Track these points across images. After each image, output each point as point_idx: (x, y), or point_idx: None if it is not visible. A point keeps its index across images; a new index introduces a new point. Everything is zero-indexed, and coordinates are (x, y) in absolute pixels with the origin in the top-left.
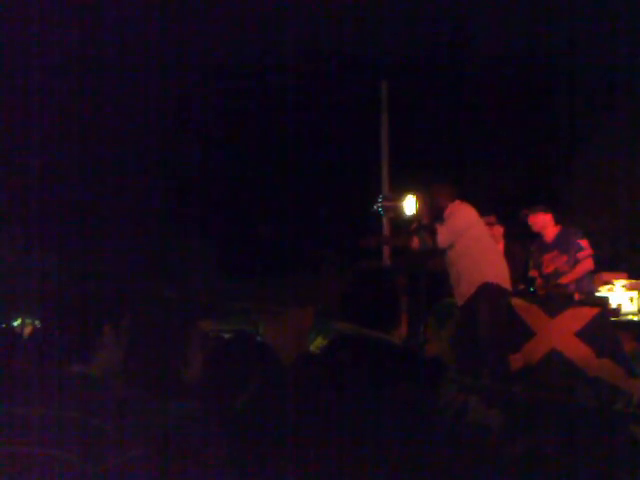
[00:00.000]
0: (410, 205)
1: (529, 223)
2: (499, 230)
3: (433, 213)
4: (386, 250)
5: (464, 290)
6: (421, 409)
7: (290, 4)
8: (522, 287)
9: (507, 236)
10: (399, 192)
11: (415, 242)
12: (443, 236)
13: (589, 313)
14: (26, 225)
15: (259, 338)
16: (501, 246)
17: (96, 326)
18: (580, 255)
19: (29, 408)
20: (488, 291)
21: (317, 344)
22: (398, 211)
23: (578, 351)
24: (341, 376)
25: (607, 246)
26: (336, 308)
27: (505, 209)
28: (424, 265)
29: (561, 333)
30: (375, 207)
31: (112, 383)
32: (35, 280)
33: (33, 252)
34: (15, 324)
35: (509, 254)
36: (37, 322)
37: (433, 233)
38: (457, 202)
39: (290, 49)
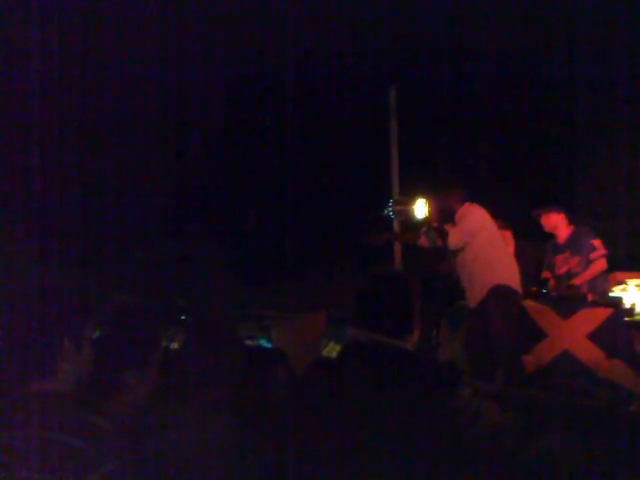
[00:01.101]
0: (420, 208)
1: (542, 223)
2: (507, 233)
3: (443, 215)
4: (397, 253)
5: (476, 292)
6: (436, 414)
7: (298, 10)
8: (535, 288)
9: (519, 237)
10: (409, 196)
11: (424, 239)
12: (455, 238)
13: (602, 314)
14: None
15: (272, 345)
16: (511, 248)
17: (58, 338)
18: (593, 255)
19: None
20: (500, 293)
21: (330, 349)
22: (409, 215)
23: (590, 353)
24: (354, 382)
25: (621, 246)
26: (349, 313)
27: (516, 211)
28: (436, 267)
29: (574, 335)
30: (386, 211)
31: (78, 397)
32: None
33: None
34: None
35: (521, 255)
36: None
37: (443, 235)
38: (467, 204)
39: (298, 55)
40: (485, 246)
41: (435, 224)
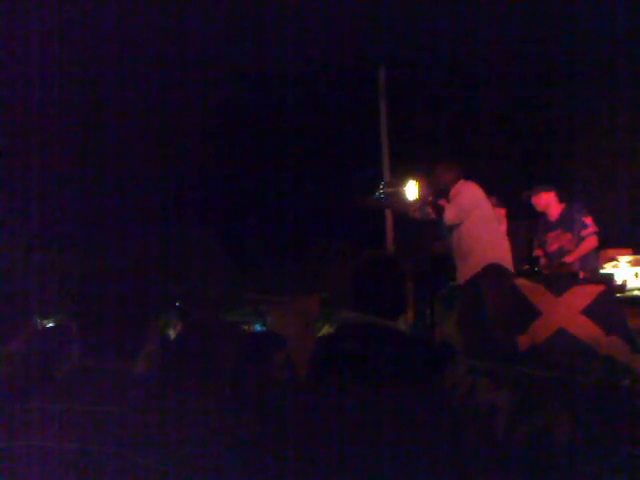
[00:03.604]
0: (412, 190)
1: (533, 204)
2: (501, 212)
3: (438, 191)
4: (389, 235)
5: (468, 270)
6: (429, 393)
7: None
8: (527, 267)
9: (510, 217)
10: (400, 178)
11: (417, 212)
12: (452, 214)
13: (594, 291)
14: (28, 223)
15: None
16: (504, 227)
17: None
18: (584, 232)
19: (69, 405)
20: (492, 272)
21: (324, 332)
22: (400, 196)
23: (585, 329)
24: (348, 363)
25: (611, 222)
26: (342, 296)
27: (506, 190)
28: (429, 247)
29: (567, 312)
30: (377, 193)
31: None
32: (59, 278)
33: (36, 251)
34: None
35: (513, 234)
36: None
37: (439, 210)
38: (462, 181)
39: (285, 37)
40: (479, 224)
41: (430, 198)
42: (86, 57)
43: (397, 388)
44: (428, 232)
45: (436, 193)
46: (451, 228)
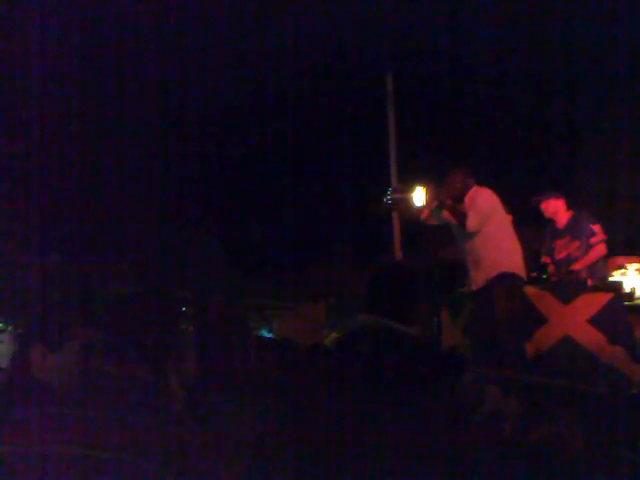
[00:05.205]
0: (419, 197)
1: (541, 209)
2: (510, 218)
3: (455, 196)
4: (396, 242)
5: (482, 276)
6: (442, 399)
7: None
8: (535, 274)
9: (517, 223)
10: (408, 184)
11: (426, 213)
12: (475, 220)
13: (603, 299)
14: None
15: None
16: None
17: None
18: (593, 240)
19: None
20: (506, 279)
21: (330, 339)
22: (408, 203)
23: (590, 338)
24: (363, 364)
25: (620, 230)
26: (348, 301)
27: (514, 197)
28: (437, 253)
29: (574, 320)
30: (385, 200)
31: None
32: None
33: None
34: None
35: (520, 241)
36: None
37: (457, 215)
38: (476, 187)
39: (294, 43)
40: (496, 230)
41: (449, 202)
42: (86, 57)
43: (410, 393)
44: (435, 238)
45: (455, 198)
46: (467, 234)
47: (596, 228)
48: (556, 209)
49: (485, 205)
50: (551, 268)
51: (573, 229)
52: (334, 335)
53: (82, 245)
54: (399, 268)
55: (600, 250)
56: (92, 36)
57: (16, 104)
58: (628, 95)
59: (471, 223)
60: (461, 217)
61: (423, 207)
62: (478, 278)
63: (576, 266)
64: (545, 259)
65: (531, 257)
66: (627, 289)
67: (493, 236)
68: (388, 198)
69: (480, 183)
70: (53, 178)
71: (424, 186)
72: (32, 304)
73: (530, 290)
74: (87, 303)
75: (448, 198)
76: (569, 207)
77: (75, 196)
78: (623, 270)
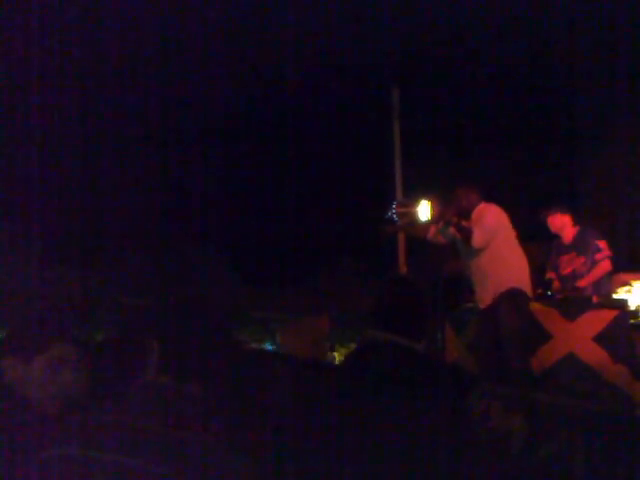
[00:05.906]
0: (424, 210)
1: (547, 224)
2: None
3: (462, 213)
4: (401, 256)
5: (489, 293)
6: (449, 416)
7: (302, 11)
8: (540, 290)
9: (522, 238)
10: (413, 198)
11: (432, 232)
12: (481, 237)
13: (608, 316)
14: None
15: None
16: None
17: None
18: (598, 256)
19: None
20: (513, 296)
21: (332, 353)
22: (412, 217)
23: (594, 356)
24: (371, 380)
25: (624, 247)
26: (354, 316)
27: (520, 212)
28: (441, 268)
29: (579, 337)
30: (390, 213)
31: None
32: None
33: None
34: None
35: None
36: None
37: (463, 232)
38: (483, 203)
39: (301, 56)
40: (503, 246)
41: (455, 219)
42: (85, 59)
43: (417, 407)
44: (439, 253)
45: (461, 215)
46: (474, 250)
47: (602, 244)
48: (562, 224)
49: (491, 222)
50: (556, 284)
51: (579, 245)
52: (336, 348)
53: (64, 256)
54: (407, 284)
55: (605, 266)
56: (92, 39)
57: (17, 118)
58: (633, 109)
59: (477, 239)
60: (467, 233)
61: (429, 225)
62: (484, 295)
63: (581, 283)
64: (550, 274)
65: (536, 272)
66: (632, 307)
67: (500, 253)
68: (393, 211)
69: (487, 200)
70: (56, 188)
71: (429, 200)
72: (2, 313)
73: (535, 306)
74: (65, 317)
75: (454, 215)
76: (575, 223)
77: (78, 207)
78: (628, 287)
